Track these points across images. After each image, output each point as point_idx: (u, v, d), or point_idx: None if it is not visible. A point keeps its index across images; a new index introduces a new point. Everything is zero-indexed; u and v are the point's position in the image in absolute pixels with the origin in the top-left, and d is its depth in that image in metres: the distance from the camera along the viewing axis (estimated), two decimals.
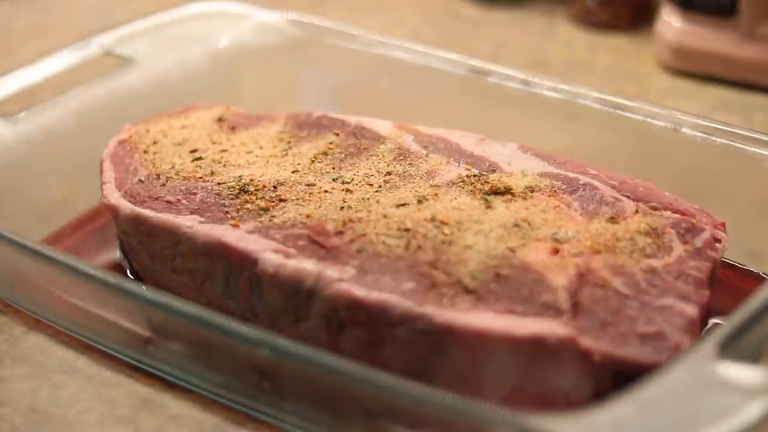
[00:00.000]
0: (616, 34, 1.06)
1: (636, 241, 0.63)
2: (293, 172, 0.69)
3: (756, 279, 0.70)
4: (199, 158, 0.71)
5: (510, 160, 0.70)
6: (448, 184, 0.67)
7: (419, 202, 0.65)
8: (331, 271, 0.60)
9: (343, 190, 0.67)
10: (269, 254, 0.61)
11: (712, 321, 0.64)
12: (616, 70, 1.00)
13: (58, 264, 0.62)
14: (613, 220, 0.64)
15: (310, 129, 0.74)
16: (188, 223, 0.65)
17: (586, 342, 0.56)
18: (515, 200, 0.65)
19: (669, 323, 0.58)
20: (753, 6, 0.93)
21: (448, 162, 0.69)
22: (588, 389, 0.57)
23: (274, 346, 0.55)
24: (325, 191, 0.67)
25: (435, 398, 0.52)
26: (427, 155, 0.70)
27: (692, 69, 0.97)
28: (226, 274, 0.63)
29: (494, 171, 0.68)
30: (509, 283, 0.59)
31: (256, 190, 0.67)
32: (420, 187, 0.67)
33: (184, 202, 0.66)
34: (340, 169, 0.69)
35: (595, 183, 0.67)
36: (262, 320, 0.62)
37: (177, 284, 0.66)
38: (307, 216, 0.64)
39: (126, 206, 0.67)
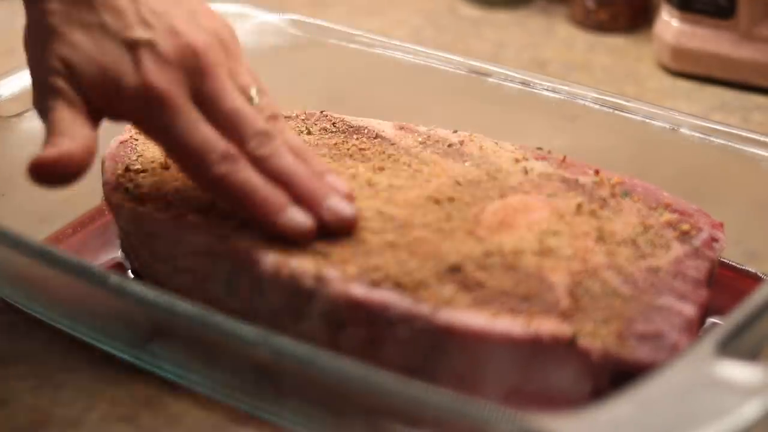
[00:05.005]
0: (615, 35, 1.06)
1: (635, 240, 0.63)
2: None
3: (754, 279, 0.70)
4: None
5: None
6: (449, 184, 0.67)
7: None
8: (331, 271, 0.60)
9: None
10: (269, 254, 0.61)
11: (710, 320, 0.64)
12: (615, 70, 1.00)
13: (59, 264, 0.62)
14: (611, 219, 0.64)
15: (310, 127, 0.74)
16: (189, 223, 0.65)
17: (585, 341, 0.57)
18: (515, 200, 0.65)
19: (667, 323, 0.58)
20: (751, 7, 0.94)
21: (448, 162, 0.69)
22: (587, 388, 0.57)
23: (274, 346, 0.56)
24: None
25: (435, 398, 0.52)
26: (427, 155, 0.70)
27: (691, 70, 0.97)
28: (227, 274, 0.63)
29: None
30: (509, 283, 0.59)
31: None
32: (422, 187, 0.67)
33: (184, 202, 0.66)
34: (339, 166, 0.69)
35: (595, 183, 0.67)
36: (263, 320, 0.62)
37: (178, 284, 0.66)
38: None
39: (127, 206, 0.67)
